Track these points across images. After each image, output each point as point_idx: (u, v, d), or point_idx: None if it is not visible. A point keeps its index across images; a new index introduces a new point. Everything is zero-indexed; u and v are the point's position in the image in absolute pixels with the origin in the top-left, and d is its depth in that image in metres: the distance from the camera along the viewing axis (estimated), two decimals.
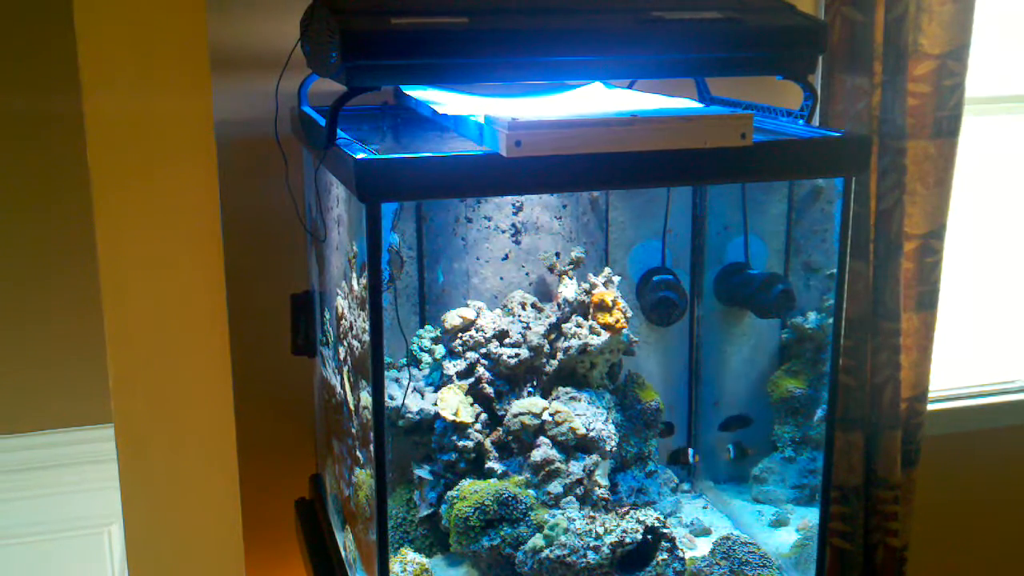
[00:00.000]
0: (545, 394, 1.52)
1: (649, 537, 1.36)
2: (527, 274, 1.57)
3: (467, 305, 1.52)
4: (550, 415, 1.46)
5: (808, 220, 1.52)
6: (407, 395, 1.46)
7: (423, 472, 1.45)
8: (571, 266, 1.53)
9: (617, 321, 1.51)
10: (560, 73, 1.22)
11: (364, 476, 1.30)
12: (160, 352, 1.61)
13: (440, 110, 1.30)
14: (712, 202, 1.60)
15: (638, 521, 1.37)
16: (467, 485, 1.42)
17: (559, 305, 1.53)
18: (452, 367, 1.48)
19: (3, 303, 2.55)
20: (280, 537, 1.73)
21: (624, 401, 1.58)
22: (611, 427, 1.50)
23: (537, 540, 1.36)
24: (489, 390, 1.48)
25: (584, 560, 1.34)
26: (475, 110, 1.24)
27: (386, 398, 1.42)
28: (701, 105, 1.51)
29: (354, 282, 1.27)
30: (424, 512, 1.45)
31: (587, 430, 1.46)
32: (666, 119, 1.18)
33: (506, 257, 1.55)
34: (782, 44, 1.29)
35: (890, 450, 2.00)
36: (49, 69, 2.44)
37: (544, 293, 1.58)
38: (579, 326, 1.51)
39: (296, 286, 1.59)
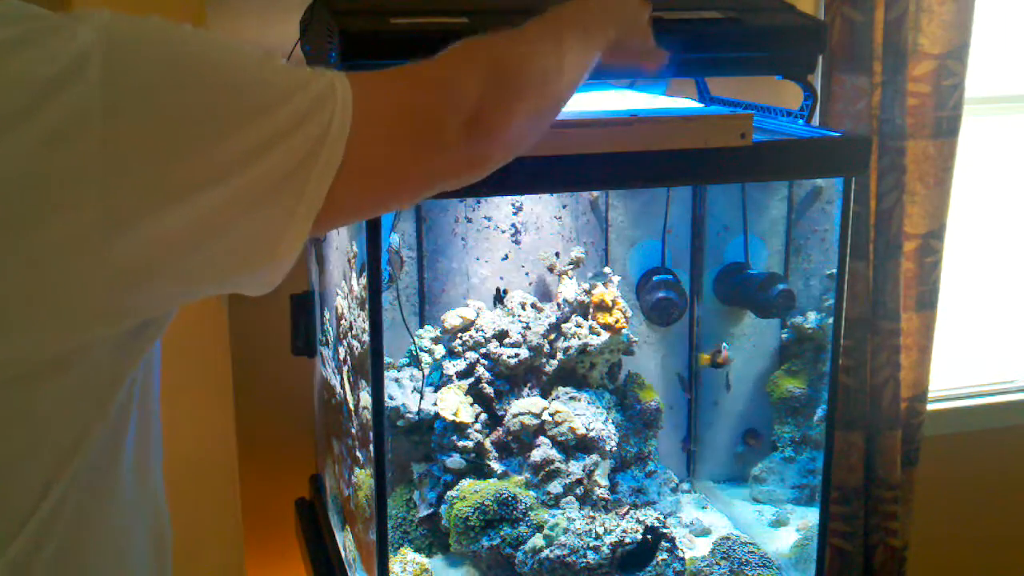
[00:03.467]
0: (545, 394, 1.52)
1: (649, 537, 1.36)
2: (527, 274, 1.57)
3: (467, 305, 1.52)
4: (550, 415, 1.46)
5: (808, 220, 1.52)
6: (421, 400, 1.46)
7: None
8: (571, 266, 1.53)
9: (617, 321, 1.51)
10: None
11: (364, 476, 1.30)
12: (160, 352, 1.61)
13: None
14: (712, 202, 1.60)
15: (638, 521, 1.37)
16: (467, 485, 1.42)
17: (559, 305, 1.53)
18: (452, 367, 1.48)
19: None
20: (280, 537, 1.73)
21: (624, 401, 1.58)
22: (611, 427, 1.50)
23: (537, 540, 1.36)
24: (489, 390, 1.48)
25: (584, 560, 1.34)
26: None
27: (386, 398, 1.42)
28: (701, 105, 1.51)
29: (354, 282, 1.27)
30: (424, 512, 1.45)
31: (587, 430, 1.46)
32: (666, 119, 1.18)
33: (506, 257, 1.55)
34: (782, 44, 1.29)
35: (890, 450, 2.00)
36: None
37: (544, 293, 1.58)
38: (579, 326, 1.51)
39: (296, 286, 1.59)
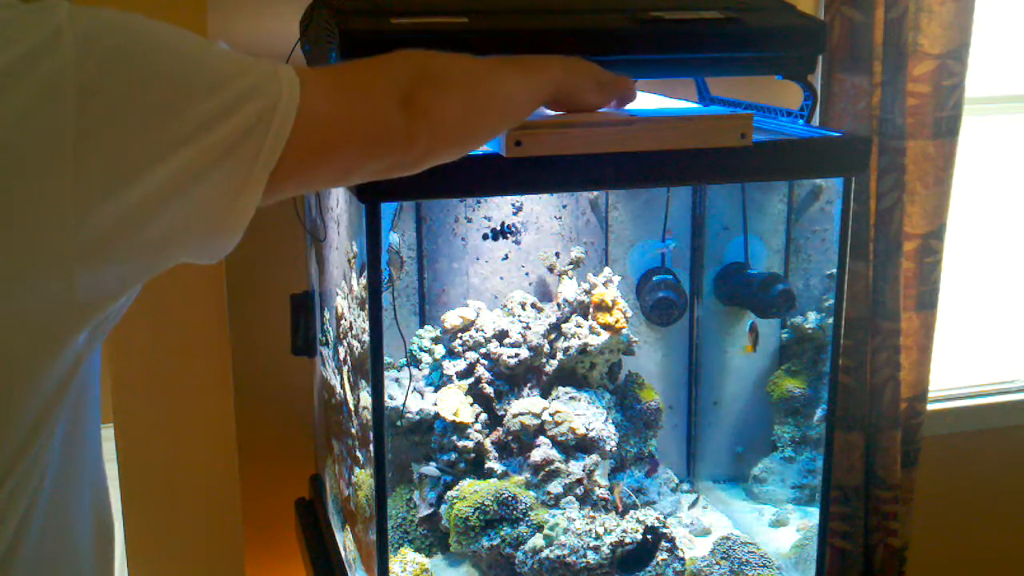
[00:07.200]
0: (545, 394, 1.52)
1: (649, 537, 1.36)
2: (527, 274, 1.57)
3: (467, 305, 1.52)
4: (550, 415, 1.46)
5: (808, 220, 1.52)
6: (407, 396, 1.46)
7: (428, 470, 1.44)
8: (571, 266, 1.53)
9: (617, 321, 1.51)
10: None
11: (364, 476, 1.30)
12: (160, 352, 1.61)
13: None
14: (712, 202, 1.60)
15: (638, 521, 1.37)
16: (467, 485, 1.42)
17: (559, 305, 1.53)
18: (452, 367, 1.48)
19: None
20: (280, 537, 1.73)
21: (624, 401, 1.58)
22: (611, 427, 1.50)
23: (537, 540, 1.36)
24: (489, 390, 1.48)
25: (584, 560, 1.34)
26: None
27: (386, 398, 1.42)
28: (701, 105, 1.51)
29: (354, 282, 1.27)
30: (424, 512, 1.45)
31: (587, 430, 1.46)
32: (666, 119, 1.18)
33: (506, 257, 1.55)
34: (782, 44, 1.29)
35: (890, 450, 2.00)
36: None
37: (544, 293, 1.58)
38: (579, 326, 1.51)
39: (296, 286, 1.59)
